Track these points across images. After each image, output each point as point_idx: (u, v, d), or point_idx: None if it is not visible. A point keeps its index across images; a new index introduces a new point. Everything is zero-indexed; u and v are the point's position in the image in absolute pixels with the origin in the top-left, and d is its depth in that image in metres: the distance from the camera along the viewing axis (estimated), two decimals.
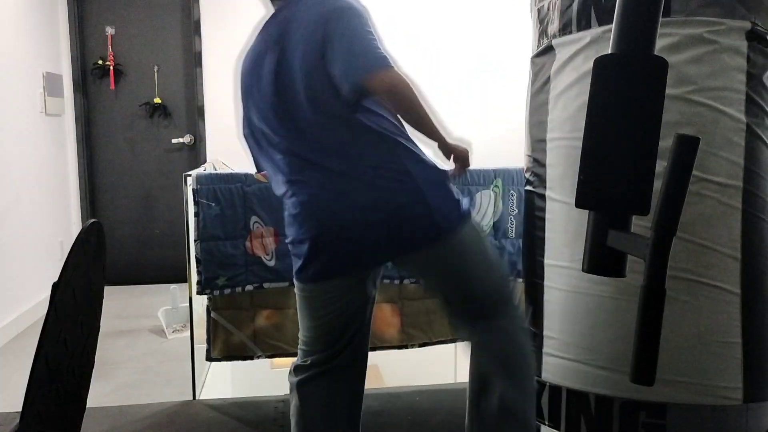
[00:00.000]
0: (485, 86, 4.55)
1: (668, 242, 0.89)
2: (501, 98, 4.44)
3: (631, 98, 1.03)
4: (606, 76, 1.03)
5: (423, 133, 1.52)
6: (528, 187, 1.77)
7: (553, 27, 1.60)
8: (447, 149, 1.58)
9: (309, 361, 1.63)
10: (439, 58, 4.52)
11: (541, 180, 1.68)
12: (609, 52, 1.10)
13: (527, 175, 1.78)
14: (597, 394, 1.51)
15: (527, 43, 1.87)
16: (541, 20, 1.67)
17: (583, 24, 1.52)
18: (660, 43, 1.22)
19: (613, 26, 1.07)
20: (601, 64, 1.04)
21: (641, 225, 1.18)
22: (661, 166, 1.03)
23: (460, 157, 1.61)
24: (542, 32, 1.67)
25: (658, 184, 1.00)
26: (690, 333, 1.44)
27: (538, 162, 1.69)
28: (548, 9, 1.63)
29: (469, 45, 4.57)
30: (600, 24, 1.49)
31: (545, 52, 1.65)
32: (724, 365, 1.45)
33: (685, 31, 1.42)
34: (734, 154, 1.44)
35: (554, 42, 1.61)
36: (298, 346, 1.67)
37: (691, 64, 1.43)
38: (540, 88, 1.67)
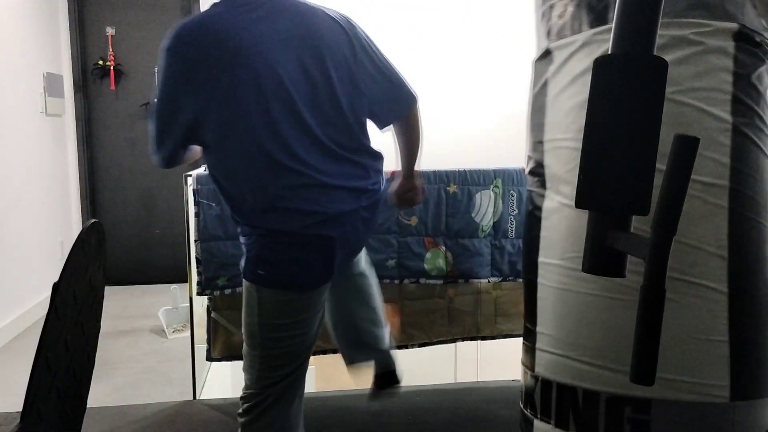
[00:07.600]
0: (486, 86, 4.55)
1: (668, 243, 0.89)
2: (501, 99, 4.45)
3: (631, 98, 1.03)
4: (606, 76, 1.04)
5: (413, 161, 1.71)
6: (528, 187, 1.80)
7: (552, 31, 1.63)
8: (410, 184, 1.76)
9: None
10: (440, 57, 4.53)
11: (540, 180, 1.70)
12: (606, 52, 1.11)
13: (528, 175, 1.80)
14: (584, 388, 1.53)
15: (528, 43, 1.88)
16: (542, 24, 1.69)
17: (576, 27, 1.54)
18: None
19: (613, 26, 1.07)
20: (601, 64, 1.04)
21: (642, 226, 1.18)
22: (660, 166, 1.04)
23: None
24: (543, 36, 1.69)
25: (658, 184, 1.01)
26: (676, 330, 1.44)
27: (537, 163, 1.71)
28: (548, 13, 1.65)
29: (469, 45, 4.57)
30: (591, 26, 1.50)
31: (544, 55, 1.67)
32: (710, 363, 1.45)
33: (671, 33, 1.42)
34: (720, 153, 1.44)
35: (551, 45, 1.63)
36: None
37: (676, 65, 1.42)
38: (539, 91, 1.70)
